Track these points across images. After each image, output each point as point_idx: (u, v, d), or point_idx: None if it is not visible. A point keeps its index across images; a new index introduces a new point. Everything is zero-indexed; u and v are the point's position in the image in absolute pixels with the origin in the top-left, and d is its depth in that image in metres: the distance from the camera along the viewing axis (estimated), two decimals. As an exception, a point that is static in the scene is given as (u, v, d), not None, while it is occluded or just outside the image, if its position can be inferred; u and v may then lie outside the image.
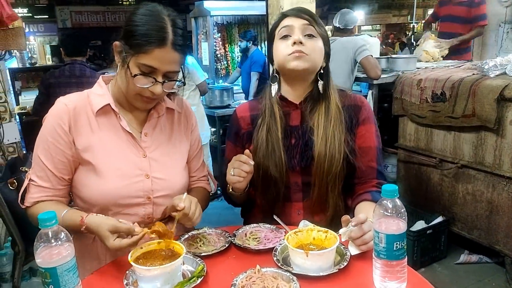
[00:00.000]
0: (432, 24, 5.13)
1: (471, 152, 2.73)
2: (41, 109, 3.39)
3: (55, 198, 1.30)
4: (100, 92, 1.32)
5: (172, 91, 1.29)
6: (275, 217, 1.41)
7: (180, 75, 1.29)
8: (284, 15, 1.45)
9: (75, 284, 0.94)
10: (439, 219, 2.89)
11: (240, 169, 1.30)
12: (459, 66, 3.29)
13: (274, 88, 1.46)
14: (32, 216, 1.29)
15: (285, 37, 1.40)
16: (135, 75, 1.19)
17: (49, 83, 3.30)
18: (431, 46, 3.91)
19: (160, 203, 1.34)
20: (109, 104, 1.28)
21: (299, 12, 1.43)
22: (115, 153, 1.29)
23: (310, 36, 1.40)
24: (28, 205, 1.29)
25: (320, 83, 1.43)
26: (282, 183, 1.43)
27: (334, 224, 1.33)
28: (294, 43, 1.36)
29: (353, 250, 1.15)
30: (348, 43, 3.34)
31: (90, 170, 1.28)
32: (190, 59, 4.08)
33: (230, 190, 1.39)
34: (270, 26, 3.46)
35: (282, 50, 1.40)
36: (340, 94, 1.49)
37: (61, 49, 3.55)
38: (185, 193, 1.25)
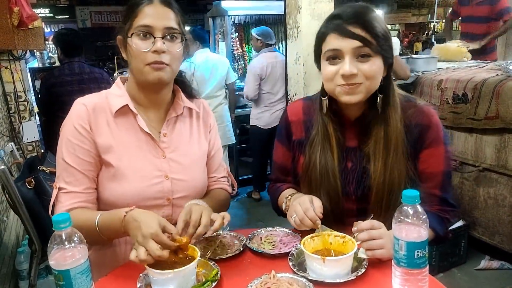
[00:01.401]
0: (453, 23, 5.03)
1: (493, 155, 2.66)
2: (46, 110, 3.31)
3: (86, 205, 1.25)
4: (119, 92, 1.31)
5: (177, 51, 1.25)
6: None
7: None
8: (329, 29, 1.18)
9: (88, 287, 0.93)
10: (459, 223, 2.83)
11: (303, 224, 1.19)
12: (482, 67, 3.21)
13: (325, 103, 1.28)
14: None
15: (333, 59, 1.18)
16: (132, 34, 1.21)
17: (50, 84, 3.19)
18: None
19: (179, 204, 1.33)
20: (127, 104, 1.28)
21: (349, 29, 1.14)
22: (134, 154, 1.28)
23: (365, 58, 1.16)
24: None
25: (379, 99, 1.23)
26: (336, 210, 1.30)
27: None
28: (344, 74, 1.16)
29: (360, 253, 1.11)
30: None
31: (110, 172, 1.27)
32: (227, 62, 4.28)
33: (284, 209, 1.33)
34: (287, 26, 3.44)
35: (330, 77, 1.19)
36: (405, 106, 1.28)
37: (57, 49, 3.38)
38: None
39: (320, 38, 1.22)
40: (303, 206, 1.20)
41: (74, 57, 3.22)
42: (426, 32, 14.03)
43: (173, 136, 1.35)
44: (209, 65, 4.04)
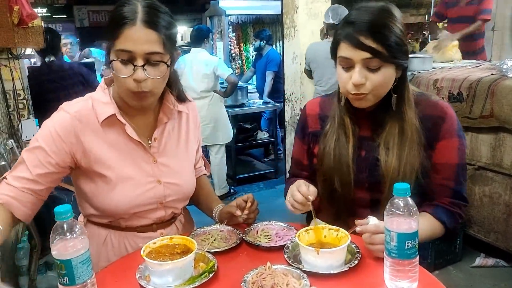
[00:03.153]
0: (438, 24, 4.99)
1: (488, 153, 2.68)
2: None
3: (8, 200, 1.17)
4: (104, 99, 1.25)
5: (158, 77, 1.16)
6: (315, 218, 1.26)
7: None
8: (342, 36, 1.19)
9: (89, 277, 0.95)
10: (455, 221, 2.84)
11: (294, 198, 1.22)
12: (477, 66, 3.23)
13: (343, 96, 1.30)
14: None
15: (346, 66, 1.21)
16: (112, 61, 1.14)
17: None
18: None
19: (171, 206, 1.36)
20: (114, 114, 1.23)
21: (360, 40, 1.15)
22: (125, 162, 1.27)
23: (374, 69, 1.17)
24: None
25: (394, 98, 1.26)
26: (347, 198, 1.32)
27: None
28: (353, 83, 1.19)
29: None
30: None
31: (102, 181, 1.25)
32: (215, 59, 4.17)
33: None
34: (284, 25, 3.47)
35: (344, 82, 1.22)
36: (419, 100, 1.30)
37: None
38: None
39: (336, 42, 1.24)
40: (297, 184, 1.24)
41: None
42: (424, 32, 14.06)
43: (162, 140, 1.33)
44: (191, 66, 4.01)
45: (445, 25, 4.80)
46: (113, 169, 1.25)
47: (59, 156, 1.21)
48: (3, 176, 1.22)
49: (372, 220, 1.15)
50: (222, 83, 4.48)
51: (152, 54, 1.14)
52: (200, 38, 4.10)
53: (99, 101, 1.25)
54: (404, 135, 1.26)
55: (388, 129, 1.28)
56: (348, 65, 1.20)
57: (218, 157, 4.30)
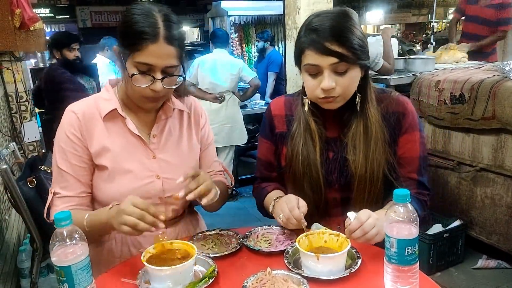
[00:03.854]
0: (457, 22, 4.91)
1: (490, 155, 2.68)
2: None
3: (79, 208, 1.29)
4: (107, 96, 1.33)
5: (174, 87, 1.27)
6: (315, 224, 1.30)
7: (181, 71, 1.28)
8: (307, 44, 1.21)
9: (88, 283, 0.96)
10: (457, 222, 2.84)
11: (289, 222, 1.23)
12: (479, 67, 3.23)
13: (307, 102, 1.32)
14: None
15: (313, 73, 1.23)
16: (133, 75, 1.19)
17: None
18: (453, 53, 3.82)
19: (172, 202, 1.36)
20: (116, 109, 1.29)
21: (326, 46, 1.17)
22: (125, 156, 1.30)
23: (342, 73, 1.21)
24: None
25: (358, 97, 1.29)
26: (319, 201, 1.35)
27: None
28: (323, 89, 1.21)
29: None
30: None
31: (103, 174, 1.30)
32: (240, 61, 4.23)
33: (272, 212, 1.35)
34: (287, 26, 3.46)
35: (312, 89, 1.25)
36: (381, 97, 1.34)
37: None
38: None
39: (299, 50, 1.25)
40: (289, 205, 1.23)
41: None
42: (426, 32, 14.05)
43: (162, 137, 1.37)
44: (216, 65, 4.02)
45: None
46: (113, 161, 1.29)
47: (84, 151, 1.29)
48: (52, 192, 1.30)
49: (352, 216, 1.16)
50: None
51: (170, 68, 1.22)
52: (225, 40, 4.19)
53: (101, 98, 1.33)
54: (369, 133, 1.30)
55: (353, 128, 1.32)
56: (316, 72, 1.22)
57: (227, 161, 4.30)
